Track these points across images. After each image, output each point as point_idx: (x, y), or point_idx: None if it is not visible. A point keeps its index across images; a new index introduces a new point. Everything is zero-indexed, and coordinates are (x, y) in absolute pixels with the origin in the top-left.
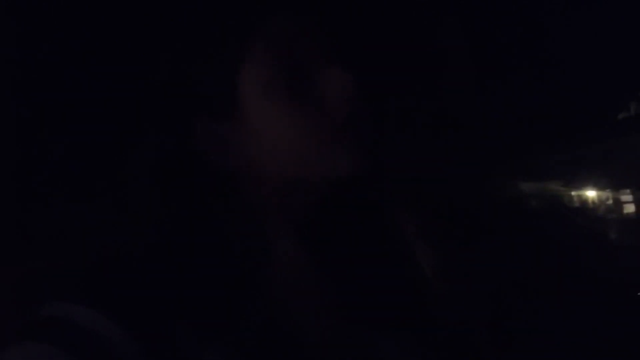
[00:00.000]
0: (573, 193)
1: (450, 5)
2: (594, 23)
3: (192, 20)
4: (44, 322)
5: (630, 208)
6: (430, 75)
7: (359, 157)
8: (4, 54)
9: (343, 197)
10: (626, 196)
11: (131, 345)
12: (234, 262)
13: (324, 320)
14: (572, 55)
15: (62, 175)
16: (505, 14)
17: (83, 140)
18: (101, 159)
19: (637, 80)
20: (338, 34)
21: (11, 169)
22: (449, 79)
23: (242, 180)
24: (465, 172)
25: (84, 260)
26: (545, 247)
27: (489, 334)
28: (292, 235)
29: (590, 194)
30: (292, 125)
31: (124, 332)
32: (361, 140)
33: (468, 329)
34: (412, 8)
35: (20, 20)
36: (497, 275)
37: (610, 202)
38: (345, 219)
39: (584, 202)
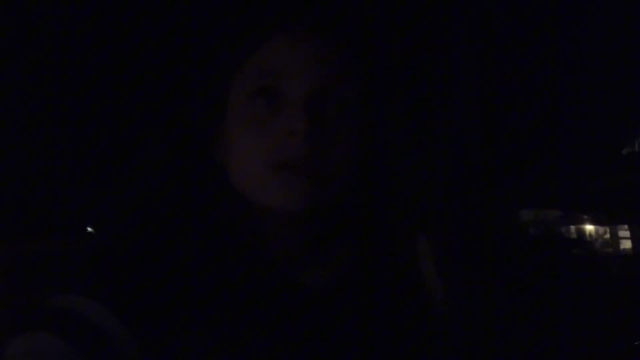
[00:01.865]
0: (572, 224)
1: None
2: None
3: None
4: (51, 313)
5: (627, 244)
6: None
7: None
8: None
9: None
10: (624, 232)
11: (132, 338)
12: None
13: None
14: (580, 92)
15: (72, 168)
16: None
17: (90, 133)
18: (110, 152)
19: None
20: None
21: (25, 163)
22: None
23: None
24: (467, 191)
25: (91, 253)
26: (543, 273)
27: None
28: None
29: (589, 226)
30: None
31: (126, 325)
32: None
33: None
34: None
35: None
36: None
37: (607, 235)
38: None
39: (582, 233)
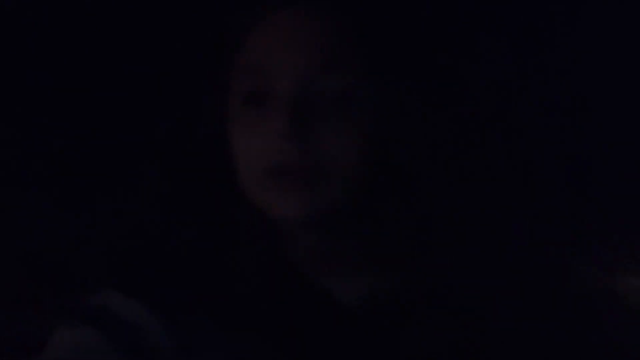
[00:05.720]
0: None
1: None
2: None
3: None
4: (89, 309)
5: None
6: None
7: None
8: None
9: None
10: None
11: (164, 335)
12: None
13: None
14: None
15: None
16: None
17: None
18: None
19: None
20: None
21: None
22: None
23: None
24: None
25: (126, 252)
26: None
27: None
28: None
29: None
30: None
31: (158, 321)
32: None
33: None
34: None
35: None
36: None
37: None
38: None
39: None
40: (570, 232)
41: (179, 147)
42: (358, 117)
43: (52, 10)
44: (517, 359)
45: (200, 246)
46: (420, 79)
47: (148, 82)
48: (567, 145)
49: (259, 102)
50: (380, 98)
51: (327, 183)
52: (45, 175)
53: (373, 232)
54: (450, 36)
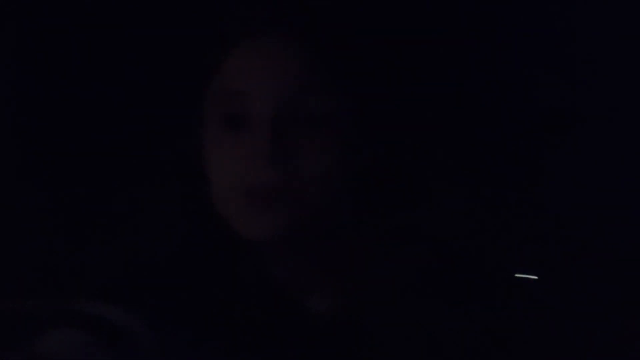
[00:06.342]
0: None
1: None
2: None
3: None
4: (83, 315)
5: None
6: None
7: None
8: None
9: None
10: None
11: (154, 342)
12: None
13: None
14: None
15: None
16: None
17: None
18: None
19: None
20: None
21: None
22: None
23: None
24: None
25: (119, 262)
26: None
27: None
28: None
29: None
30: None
31: (148, 328)
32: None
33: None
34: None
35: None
36: None
37: None
38: None
39: None
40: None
41: (154, 170)
42: (336, 138)
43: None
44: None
45: (181, 265)
46: (396, 99)
47: (123, 106)
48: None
49: (237, 125)
50: (357, 119)
51: (306, 203)
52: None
53: (350, 249)
54: (423, 57)
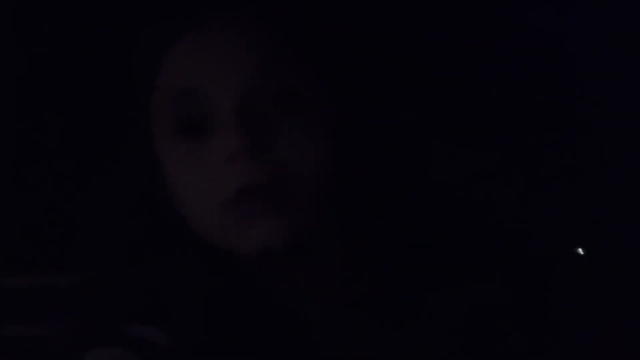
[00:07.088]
0: None
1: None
2: None
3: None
4: (127, 336)
5: None
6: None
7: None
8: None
9: None
10: None
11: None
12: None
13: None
14: None
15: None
16: None
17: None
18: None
19: None
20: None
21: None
22: None
23: None
24: None
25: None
26: None
27: None
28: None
29: None
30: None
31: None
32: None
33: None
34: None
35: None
36: None
37: None
38: None
39: None
40: None
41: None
42: (312, 120)
43: None
44: None
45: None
46: (367, 78)
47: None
48: None
49: (197, 130)
50: (329, 97)
51: (297, 201)
52: None
53: (346, 251)
54: (390, 34)
